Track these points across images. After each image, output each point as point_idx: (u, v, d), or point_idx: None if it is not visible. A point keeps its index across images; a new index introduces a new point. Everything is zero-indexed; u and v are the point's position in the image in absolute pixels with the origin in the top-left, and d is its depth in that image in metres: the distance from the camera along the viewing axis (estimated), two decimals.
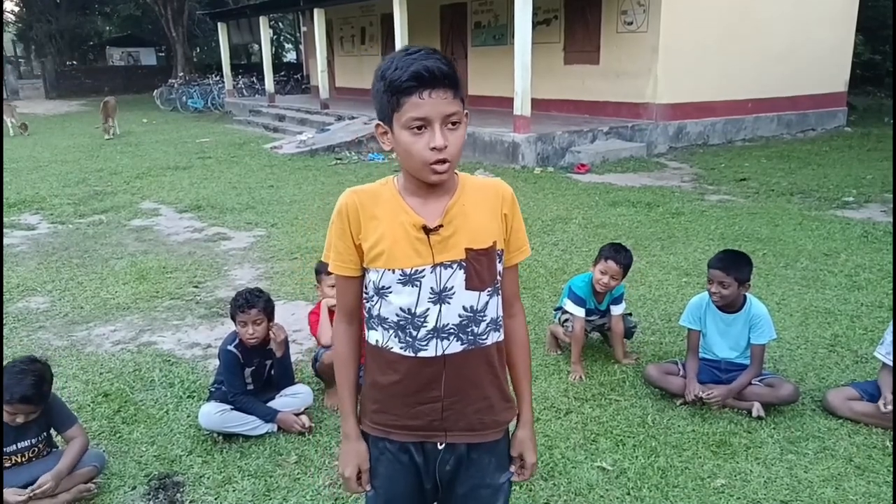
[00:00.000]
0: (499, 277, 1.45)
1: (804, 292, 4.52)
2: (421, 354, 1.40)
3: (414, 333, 1.40)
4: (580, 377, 3.41)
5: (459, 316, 1.40)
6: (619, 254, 3.44)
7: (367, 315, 1.46)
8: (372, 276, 1.41)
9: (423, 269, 1.37)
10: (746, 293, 3.14)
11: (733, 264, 3.07)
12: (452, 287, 1.39)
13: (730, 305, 3.14)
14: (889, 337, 3.01)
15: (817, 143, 11.33)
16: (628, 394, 3.27)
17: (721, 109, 11.43)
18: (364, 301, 1.46)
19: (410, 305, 1.39)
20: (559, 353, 3.70)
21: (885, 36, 16.96)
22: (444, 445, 1.46)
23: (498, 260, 1.43)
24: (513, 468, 1.56)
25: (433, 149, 1.28)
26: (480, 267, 1.40)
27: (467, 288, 1.39)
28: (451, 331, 1.40)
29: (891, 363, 2.94)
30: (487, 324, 1.43)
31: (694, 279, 4.77)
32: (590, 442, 2.86)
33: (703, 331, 3.22)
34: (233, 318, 2.99)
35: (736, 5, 11.05)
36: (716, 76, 11.11)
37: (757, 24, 11.32)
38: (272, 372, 3.11)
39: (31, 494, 2.39)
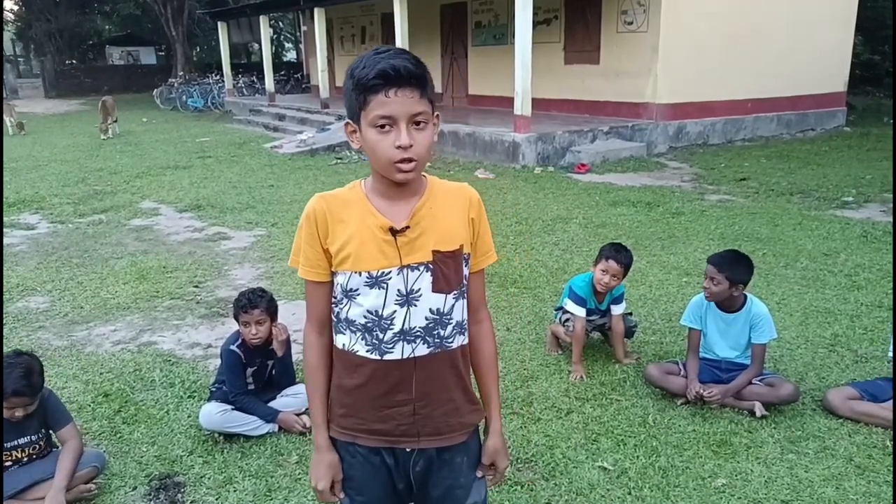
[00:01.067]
0: (465, 281, 1.45)
1: (804, 292, 4.53)
2: (387, 357, 1.40)
3: (380, 336, 1.39)
4: (581, 377, 3.41)
5: (426, 318, 1.40)
6: (619, 253, 3.44)
7: (335, 319, 1.45)
8: (339, 279, 1.40)
9: (390, 272, 1.37)
10: (747, 293, 3.14)
11: (728, 263, 3.07)
12: (419, 289, 1.38)
13: (730, 305, 3.14)
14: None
15: (817, 143, 11.34)
16: (629, 393, 3.27)
17: (721, 109, 11.43)
18: (333, 305, 1.45)
19: (377, 307, 1.38)
20: (560, 352, 3.70)
21: (884, 36, 16.97)
22: (410, 450, 1.46)
23: (465, 263, 1.43)
24: (479, 473, 1.54)
25: (398, 147, 1.28)
26: (447, 269, 1.39)
27: (434, 290, 1.39)
28: (418, 333, 1.40)
29: None
30: (453, 327, 1.43)
31: (694, 279, 4.77)
32: (591, 442, 2.86)
33: (703, 330, 3.22)
34: (236, 319, 3.00)
35: (736, 5, 11.05)
36: (715, 76, 11.11)
37: (757, 24, 11.32)
38: (273, 372, 3.11)
39: None
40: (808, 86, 12.29)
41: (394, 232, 1.36)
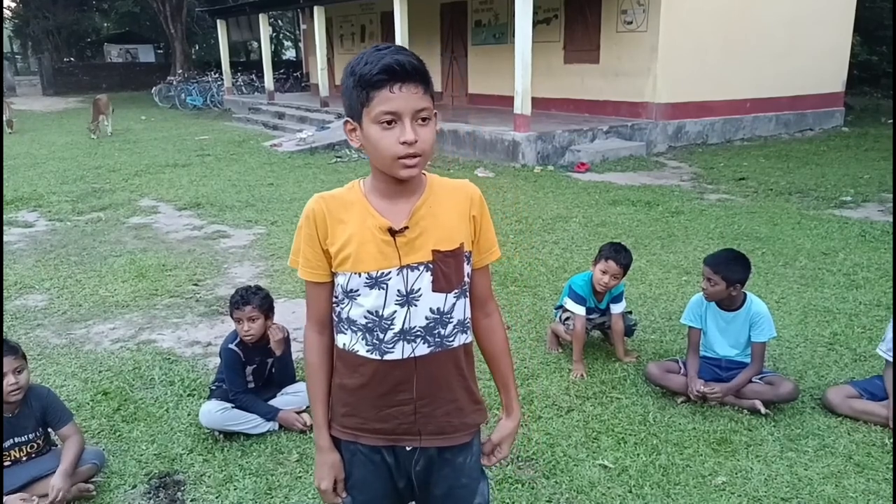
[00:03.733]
0: (466, 280, 1.44)
1: (803, 291, 4.53)
2: (387, 357, 1.40)
3: (381, 336, 1.39)
4: (581, 375, 3.41)
5: (426, 318, 1.39)
6: (619, 253, 3.44)
7: (336, 319, 1.45)
8: (340, 280, 1.40)
9: (390, 272, 1.36)
10: (746, 292, 3.14)
11: (724, 263, 3.07)
12: (419, 289, 1.38)
13: (729, 303, 3.15)
14: (890, 334, 3.02)
15: (815, 142, 11.35)
16: (629, 392, 3.27)
17: (720, 109, 11.44)
18: (334, 305, 1.45)
19: (378, 308, 1.38)
20: (560, 351, 3.71)
21: (882, 37, 17.00)
22: (411, 448, 1.46)
23: (466, 262, 1.42)
24: (486, 449, 1.57)
25: (403, 143, 1.27)
26: (448, 269, 1.39)
27: (434, 290, 1.38)
28: (418, 333, 1.39)
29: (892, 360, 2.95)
30: (454, 326, 1.43)
31: (694, 278, 4.77)
32: (591, 440, 2.87)
33: (703, 329, 3.23)
34: (231, 315, 3.00)
35: (735, 6, 11.06)
36: (715, 76, 11.12)
37: (756, 24, 11.33)
38: (273, 370, 3.11)
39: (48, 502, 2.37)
40: (806, 86, 12.31)
41: (393, 232, 1.35)
